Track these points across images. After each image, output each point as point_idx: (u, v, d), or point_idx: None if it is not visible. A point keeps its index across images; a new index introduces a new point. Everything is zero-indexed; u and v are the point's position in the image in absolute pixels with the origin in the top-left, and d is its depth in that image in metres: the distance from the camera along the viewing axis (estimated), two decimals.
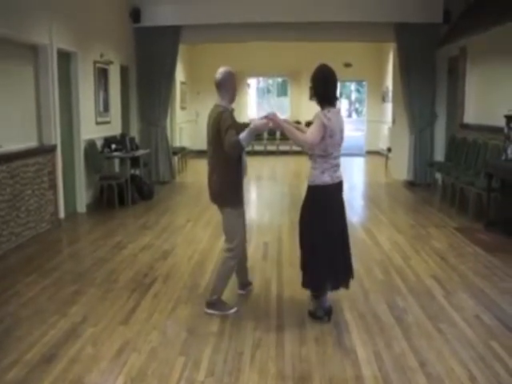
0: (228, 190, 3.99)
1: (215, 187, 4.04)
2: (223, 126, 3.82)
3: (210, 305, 4.09)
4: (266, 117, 3.82)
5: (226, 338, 3.65)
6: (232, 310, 4.09)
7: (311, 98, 3.99)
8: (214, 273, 4.29)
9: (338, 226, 3.93)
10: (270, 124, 3.82)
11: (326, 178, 3.82)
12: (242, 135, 3.77)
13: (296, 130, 3.91)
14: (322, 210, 3.86)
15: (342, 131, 3.87)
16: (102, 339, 3.61)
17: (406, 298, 4.37)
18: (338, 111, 3.92)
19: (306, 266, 3.97)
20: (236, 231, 4.06)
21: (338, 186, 3.93)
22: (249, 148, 16.11)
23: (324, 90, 3.83)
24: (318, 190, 3.85)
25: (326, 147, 3.76)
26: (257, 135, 4.08)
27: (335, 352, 3.44)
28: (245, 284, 4.55)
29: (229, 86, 4.05)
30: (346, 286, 4.05)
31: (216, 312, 4.06)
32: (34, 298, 4.37)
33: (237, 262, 4.14)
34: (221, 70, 4.05)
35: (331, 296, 4.12)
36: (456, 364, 3.24)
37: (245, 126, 4.04)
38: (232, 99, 4.09)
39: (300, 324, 3.87)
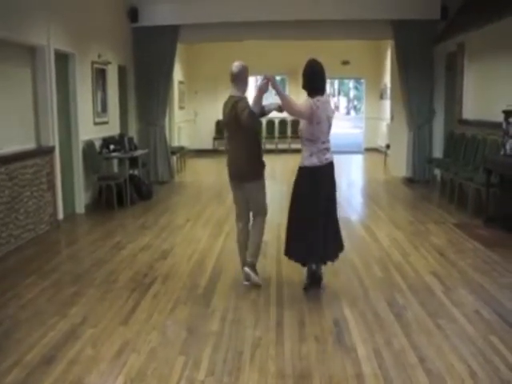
0: (255, 165, 4.56)
1: (244, 165, 4.52)
2: (240, 109, 4.28)
3: (254, 267, 4.63)
4: (264, 78, 4.19)
5: (226, 337, 3.65)
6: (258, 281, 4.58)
7: (304, 88, 4.32)
8: (254, 237, 4.73)
9: (324, 203, 4.28)
10: (269, 83, 4.18)
11: (314, 160, 4.22)
12: (251, 104, 4.28)
13: (289, 97, 4.44)
14: (308, 189, 4.23)
15: (329, 119, 4.28)
16: (101, 340, 3.61)
17: (405, 295, 4.37)
18: (327, 100, 4.34)
19: (290, 236, 4.40)
20: (264, 198, 4.69)
21: (327, 166, 4.28)
22: None
23: (313, 81, 4.25)
24: (307, 170, 4.26)
25: (313, 132, 4.18)
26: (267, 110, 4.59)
27: (335, 350, 3.44)
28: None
29: (243, 79, 4.51)
30: (333, 258, 4.42)
31: (254, 274, 4.59)
32: (33, 300, 4.37)
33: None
34: (236, 64, 4.50)
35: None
36: (456, 359, 3.24)
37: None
38: (245, 90, 4.55)
39: (299, 322, 3.87)
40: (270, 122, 16.21)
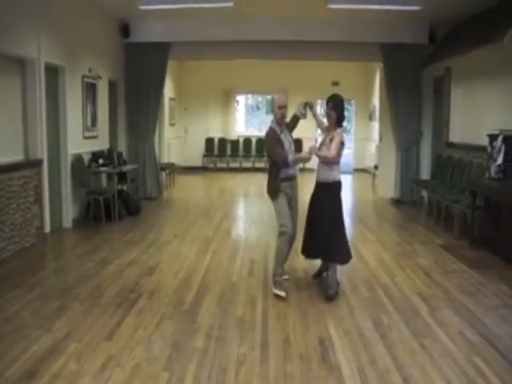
0: (268, 187, 4.99)
1: (267, 184, 5.00)
2: (269, 147, 4.91)
3: (274, 282, 4.93)
4: (310, 153, 4.73)
5: (211, 354, 3.64)
6: (280, 292, 4.80)
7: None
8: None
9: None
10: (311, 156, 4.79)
11: (340, 176, 4.95)
12: (291, 158, 4.78)
13: (325, 153, 4.81)
14: (340, 199, 5.01)
15: None
16: (85, 355, 3.58)
17: (390, 315, 4.39)
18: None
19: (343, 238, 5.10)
20: (279, 218, 4.92)
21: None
22: (237, 165, 16.19)
23: (342, 114, 4.90)
24: (340, 184, 4.93)
25: (341, 155, 4.88)
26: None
27: (320, 369, 3.44)
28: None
29: (272, 109, 4.95)
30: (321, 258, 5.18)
31: (274, 287, 4.89)
32: (16, 313, 4.32)
33: (284, 241, 4.90)
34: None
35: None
36: (439, 380, 3.26)
37: (295, 118, 5.15)
38: (277, 120, 4.89)
39: (285, 341, 3.87)
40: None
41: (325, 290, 4.84)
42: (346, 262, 4.98)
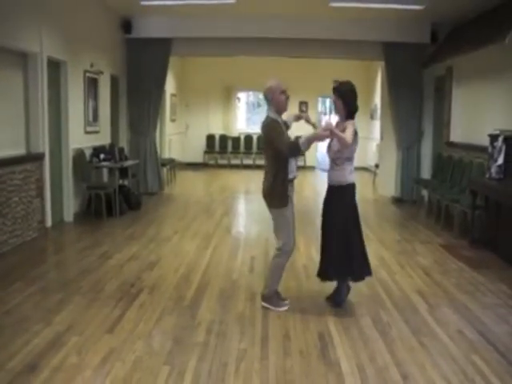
0: (273, 193, 4.27)
1: (266, 189, 4.33)
2: (272, 135, 4.18)
3: (265, 298, 4.46)
4: (326, 129, 4.04)
5: (211, 348, 3.66)
6: (283, 308, 4.38)
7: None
8: (268, 269, 4.67)
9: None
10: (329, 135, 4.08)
11: (353, 177, 4.37)
12: (302, 141, 4.05)
13: (341, 134, 4.10)
14: (354, 204, 4.43)
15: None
16: (86, 348, 3.60)
17: (390, 313, 4.41)
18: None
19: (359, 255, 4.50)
20: (283, 232, 4.35)
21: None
22: (238, 161, 16.21)
23: (355, 103, 4.35)
24: (352, 186, 4.38)
25: (352, 150, 4.28)
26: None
27: (319, 365, 3.46)
28: None
29: (271, 98, 4.27)
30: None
31: (268, 305, 4.41)
32: (18, 306, 4.34)
33: (287, 258, 4.41)
34: (266, 84, 4.29)
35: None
36: (438, 377, 3.28)
37: (285, 124, 4.43)
38: (277, 110, 4.29)
39: (284, 336, 3.89)
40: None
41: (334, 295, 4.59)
42: (357, 278, 4.48)
